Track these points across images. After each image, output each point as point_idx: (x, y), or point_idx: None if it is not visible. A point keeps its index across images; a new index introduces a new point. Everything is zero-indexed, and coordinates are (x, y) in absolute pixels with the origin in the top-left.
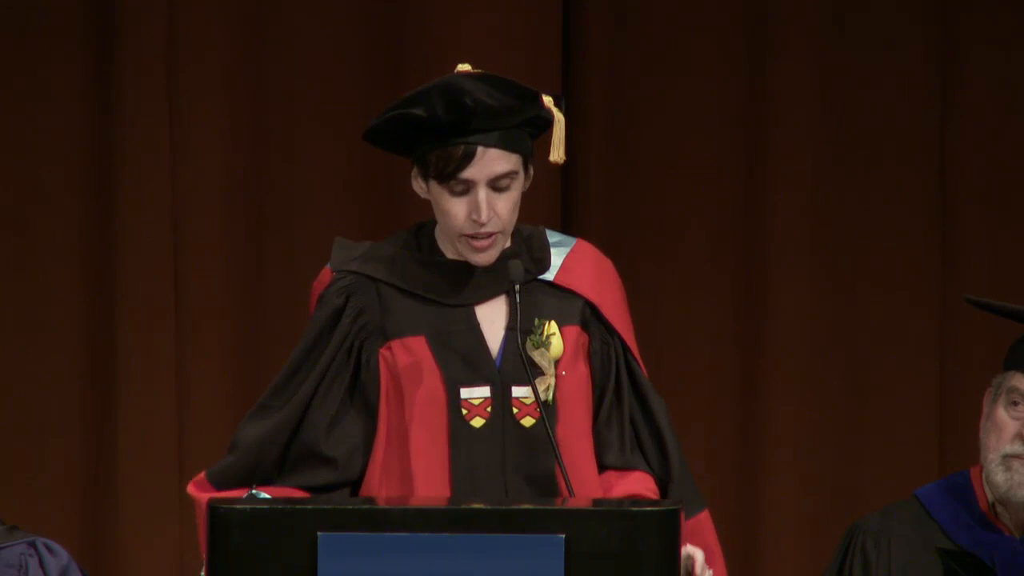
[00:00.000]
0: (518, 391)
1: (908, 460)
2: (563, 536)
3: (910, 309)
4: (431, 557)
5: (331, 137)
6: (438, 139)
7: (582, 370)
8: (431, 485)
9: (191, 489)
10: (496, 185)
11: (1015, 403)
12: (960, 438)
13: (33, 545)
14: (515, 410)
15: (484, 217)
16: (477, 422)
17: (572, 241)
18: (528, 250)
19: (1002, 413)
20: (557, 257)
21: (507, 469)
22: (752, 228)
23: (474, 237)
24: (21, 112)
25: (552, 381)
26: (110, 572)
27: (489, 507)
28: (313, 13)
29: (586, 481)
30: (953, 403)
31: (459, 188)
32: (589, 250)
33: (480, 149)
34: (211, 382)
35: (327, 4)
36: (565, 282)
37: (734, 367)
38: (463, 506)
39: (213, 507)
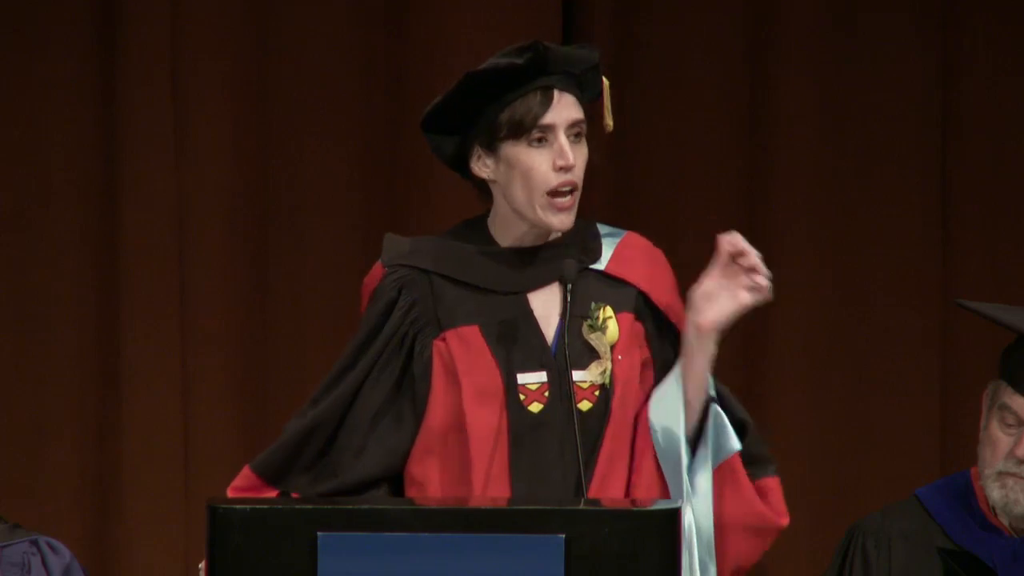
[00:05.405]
0: (575, 375)
1: (908, 460)
2: (563, 536)
3: (910, 310)
4: (431, 557)
5: (333, 137)
6: (515, 86)
7: (637, 356)
8: (491, 471)
9: (235, 483)
10: (573, 132)
11: (1007, 422)
12: (960, 438)
13: (36, 544)
14: (572, 395)
15: (571, 159)
16: (535, 407)
17: (622, 233)
18: (580, 241)
19: (995, 428)
20: (608, 248)
21: (565, 452)
22: (753, 229)
23: (558, 194)
24: (24, 113)
25: (608, 365)
26: (114, 572)
27: (489, 507)
28: (314, 14)
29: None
30: (953, 403)
31: (538, 136)
32: (639, 240)
33: (557, 92)
34: (215, 381)
35: (328, 5)
36: (617, 272)
37: (734, 368)
38: (463, 506)
39: (213, 507)
